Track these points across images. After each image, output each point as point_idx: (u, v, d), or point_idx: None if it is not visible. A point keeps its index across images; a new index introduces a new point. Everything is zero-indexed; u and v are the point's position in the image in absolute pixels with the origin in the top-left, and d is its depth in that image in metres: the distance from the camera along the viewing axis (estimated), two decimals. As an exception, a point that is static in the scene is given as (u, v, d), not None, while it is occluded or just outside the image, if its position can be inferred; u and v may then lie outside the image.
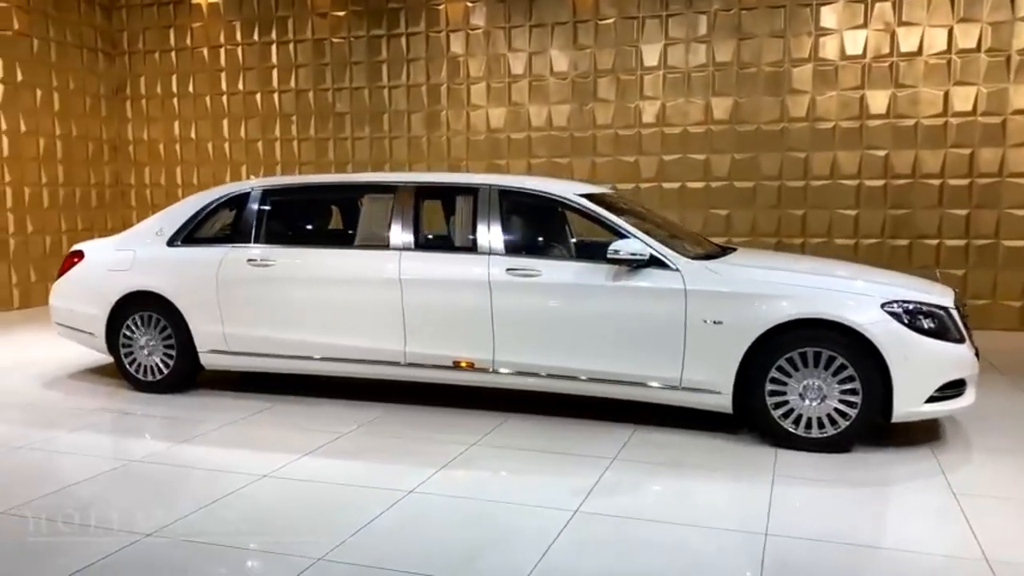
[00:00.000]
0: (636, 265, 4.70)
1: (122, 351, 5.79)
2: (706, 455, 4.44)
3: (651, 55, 9.05)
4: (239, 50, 10.56)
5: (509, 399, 5.28)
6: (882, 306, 4.37)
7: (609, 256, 4.66)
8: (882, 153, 8.46)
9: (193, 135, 10.91)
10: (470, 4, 9.60)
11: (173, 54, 10.88)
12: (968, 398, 4.51)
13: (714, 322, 4.55)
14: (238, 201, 5.71)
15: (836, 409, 4.40)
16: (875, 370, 4.33)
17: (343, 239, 5.57)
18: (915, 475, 4.15)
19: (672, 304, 4.62)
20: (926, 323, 4.40)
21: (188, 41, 10.79)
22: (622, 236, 4.79)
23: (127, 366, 5.78)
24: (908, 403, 4.34)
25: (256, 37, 10.46)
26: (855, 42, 8.45)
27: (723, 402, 4.61)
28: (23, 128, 9.88)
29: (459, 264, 5.09)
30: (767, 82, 8.74)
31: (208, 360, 5.63)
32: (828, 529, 3.46)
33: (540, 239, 5.35)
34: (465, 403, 5.34)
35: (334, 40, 10.17)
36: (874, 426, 4.45)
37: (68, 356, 6.67)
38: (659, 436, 4.74)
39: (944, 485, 3.95)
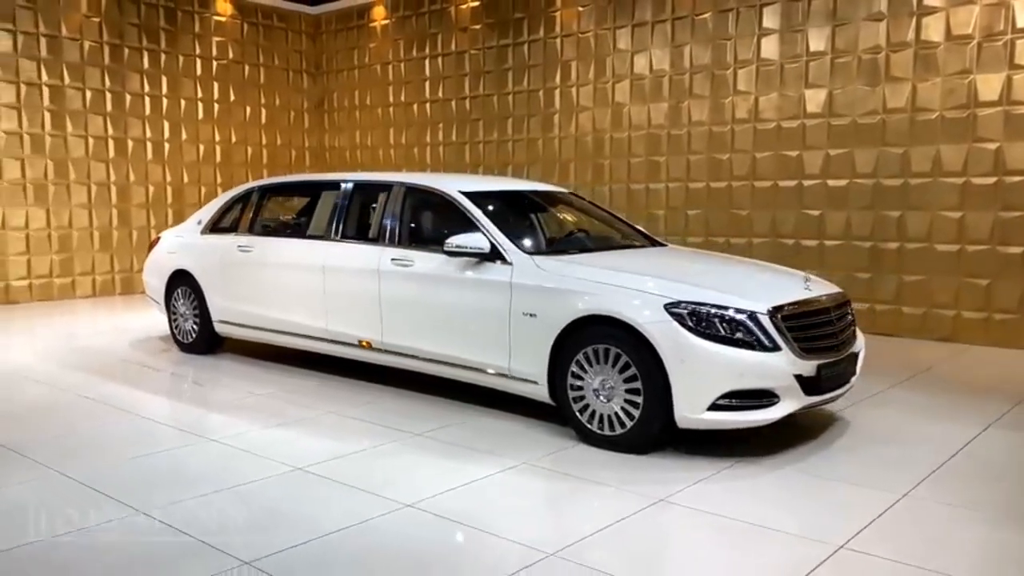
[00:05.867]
0: (481, 258, 4.96)
1: (170, 317, 7.19)
2: (503, 439, 4.59)
3: (744, 48, 8.67)
4: (401, 65, 11.86)
5: (418, 379, 5.71)
6: (666, 306, 4.20)
7: (445, 248, 4.98)
8: (993, 146, 7.32)
9: (368, 142, 12.44)
10: (581, 8, 9.89)
11: (356, 71, 12.50)
12: (774, 412, 4.14)
13: (530, 315, 4.67)
14: (246, 197, 6.82)
15: (624, 408, 4.31)
16: (657, 371, 4.18)
17: (300, 230, 6.40)
18: (659, 481, 3.92)
19: (502, 296, 4.81)
20: (720, 328, 4.14)
21: (366, 59, 12.33)
22: (476, 230, 5.06)
23: (173, 330, 7.18)
24: (688, 408, 4.13)
25: (414, 52, 11.67)
26: (962, 20, 7.41)
27: (541, 392, 4.70)
28: (233, 139, 12.08)
29: (363, 253, 5.67)
30: (863, 70, 7.96)
31: (219, 329, 6.80)
32: (477, 511, 3.57)
33: (424, 232, 5.71)
34: (381, 379, 5.90)
35: (471, 52, 11.02)
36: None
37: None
38: (489, 421, 4.96)
39: (664, 493, 3.77)
